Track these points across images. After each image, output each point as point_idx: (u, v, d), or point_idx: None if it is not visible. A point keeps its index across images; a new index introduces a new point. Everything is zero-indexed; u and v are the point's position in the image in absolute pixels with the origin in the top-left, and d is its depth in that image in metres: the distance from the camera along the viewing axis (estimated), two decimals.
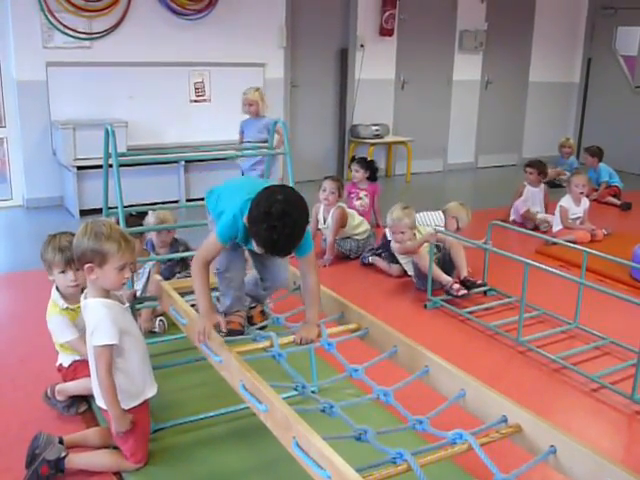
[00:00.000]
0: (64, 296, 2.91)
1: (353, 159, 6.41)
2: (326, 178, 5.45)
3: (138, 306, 3.07)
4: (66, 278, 2.86)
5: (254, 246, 2.32)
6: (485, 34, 9.30)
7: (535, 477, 2.44)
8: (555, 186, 7.69)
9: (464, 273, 4.56)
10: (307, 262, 2.44)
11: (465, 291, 4.39)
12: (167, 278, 3.75)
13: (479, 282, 4.53)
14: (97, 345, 2.35)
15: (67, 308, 2.90)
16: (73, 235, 2.88)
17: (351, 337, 2.56)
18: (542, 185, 6.59)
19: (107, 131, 2.88)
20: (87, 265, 2.35)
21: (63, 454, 2.50)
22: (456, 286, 4.40)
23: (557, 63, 10.24)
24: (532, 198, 6.52)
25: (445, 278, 4.46)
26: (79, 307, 2.82)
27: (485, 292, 4.60)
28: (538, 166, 6.56)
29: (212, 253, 2.42)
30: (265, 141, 5.59)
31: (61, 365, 3.01)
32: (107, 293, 2.45)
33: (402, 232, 4.63)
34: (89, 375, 2.56)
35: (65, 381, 2.97)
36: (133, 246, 2.46)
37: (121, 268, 2.38)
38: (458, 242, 4.59)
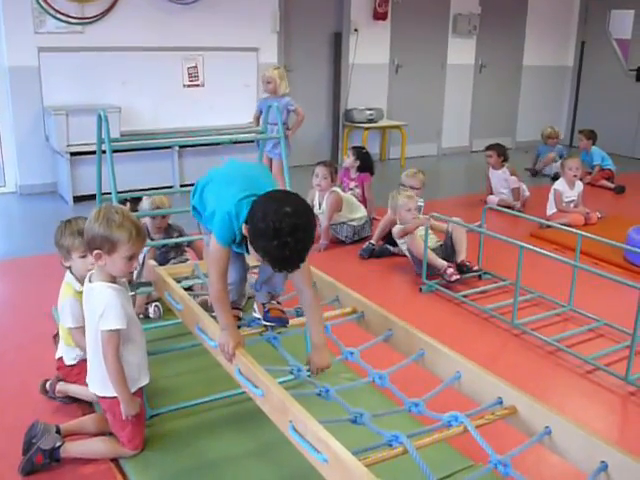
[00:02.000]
0: (78, 279, 2.82)
1: (354, 147, 6.39)
2: (319, 164, 5.43)
3: (133, 292, 3.06)
4: (86, 262, 2.74)
5: (251, 252, 2.13)
6: (479, 18, 9.26)
7: (530, 458, 2.47)
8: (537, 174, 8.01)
9: (462, 257, 4.56)
10: (302, 272, 2.21)
11: (458, 276, 4.39)
12: (161, 264, 3.74)
13: (475, 267, 4.54)
14: (107, 329, 2.33)
15: (82, 292, 2.74)
16: (73, 220, 2.85)
17: (346, 320, 2.57)
18: (504, 167, 6.63)
19: (100, 116, 2.86)
20: (96, 251, 2.33)
21: (58, 444, 2.49)
22: (450, 270, 4.40)
23: (551, 47, 10.22)
24: (495, 181, 6.65)
25: (440, 262, 4.46)
26: None
27: (480, 275, 4.60)
28: (497, 149, 6.68)
29: (221, 261, 2.23)
30: (284, 122, 5.65)
31: (62, 360, 2.92)
32: (114, 278, 2.42)
33: (416, 208, 4.60)
34: None
35: (65, 378, 2.91)
36: (144, 236, 2.42)
37: (130, 257, 2.35)
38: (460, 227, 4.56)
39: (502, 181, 6.60)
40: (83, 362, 2.79)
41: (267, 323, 2.43)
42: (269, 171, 2.61)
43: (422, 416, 2.06)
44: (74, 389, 2.87)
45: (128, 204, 3.97)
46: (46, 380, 2.96)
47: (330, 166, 5.37)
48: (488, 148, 6.76)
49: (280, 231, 1.95)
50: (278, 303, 2.51)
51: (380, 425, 1.93)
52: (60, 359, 2.93)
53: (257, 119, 5.86)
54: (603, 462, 1.72)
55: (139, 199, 4.10)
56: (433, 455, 2.06)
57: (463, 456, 2.50)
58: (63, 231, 2.82)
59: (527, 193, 6.54)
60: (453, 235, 4.60)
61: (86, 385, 2.65)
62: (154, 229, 4.02)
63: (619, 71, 9.85)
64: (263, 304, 2.49)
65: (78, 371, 2.85)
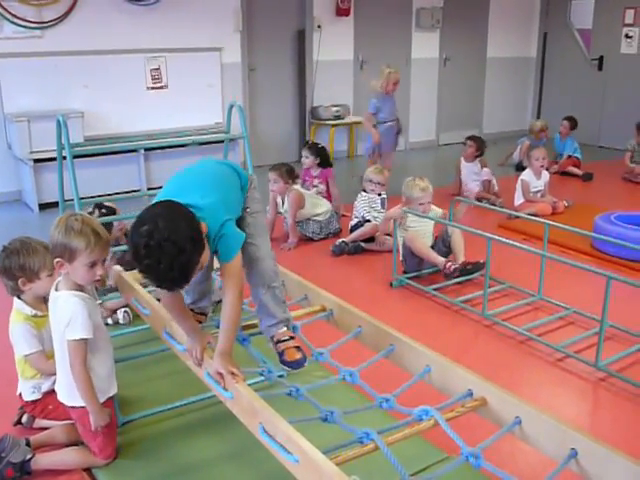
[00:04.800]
0: (29, 304, 2.66)
1: (306, 144, 6.35)
2: (269, 170, 5.32)
3: (102, 298, 3.03)
4: (54, 279, 2.53)
5: None
6: (441, 11, 9.29)
7: (505, 447, 2.47)
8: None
9: (462, 258, 4.45)
10: (225, 272, 2.12)
11: (456, 265, 4.33)
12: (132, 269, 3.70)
13: (482, 261, 4.27)
14: (73, 339, 2.29)
15: (35, 315, 2.65)
16: (29, 240, 2.68)
17: (315, 319, 2.56)
18: (476, 160, 6.66)
19: (59, 122, 2.82)
20: (56, 259, 2.29)
21: (29, 456, 2.46)
22: (448, 264, 4.33)
23: (514, 38, 10.28)
24: (466, 172, 6.68)
25: (439, 260, 4.39)
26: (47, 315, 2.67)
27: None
28: (477, 141, 6.72)
29: None
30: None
31: (21, 396, 2.72)
32: (80, 286, 2.38)
33: (429, 202, 4.55)
34: (64, 414, 2.52)
35: (33, 413, 2.74)
36: (105, 242, 2.34)
37: (91, 265, 2.30)
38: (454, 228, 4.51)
39: (472, 174, 6.62)
40: (47, 395, 2.67)
41: (285, 367, 2.33)
42: (220, 174, 2.27)
43: (393, 411, 2.06)
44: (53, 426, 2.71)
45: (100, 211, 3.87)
46: (22, 414, 2.79)
47: (278, 169, 5.24)
48: (469, 138, 6.78)
49: (136, 254, 1.89)
50: (291, 337, 2.33)
51: (353, 422, 1.93)
52: (20, 396, 2.74)
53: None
54: (573, 449, 1.73)
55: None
56: (407, 449, 2.07)
57: (437, 449, 2.49)
58: (24, 252, 2.60)
59: (497, 188, 6.55)
60: (452, 238, 4.50)
61: (59, 419, 2.62)
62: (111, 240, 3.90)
63: (581, 61, 9.95)
64: (276, 341, 2.33)
65: (42, 407, 2.70)
